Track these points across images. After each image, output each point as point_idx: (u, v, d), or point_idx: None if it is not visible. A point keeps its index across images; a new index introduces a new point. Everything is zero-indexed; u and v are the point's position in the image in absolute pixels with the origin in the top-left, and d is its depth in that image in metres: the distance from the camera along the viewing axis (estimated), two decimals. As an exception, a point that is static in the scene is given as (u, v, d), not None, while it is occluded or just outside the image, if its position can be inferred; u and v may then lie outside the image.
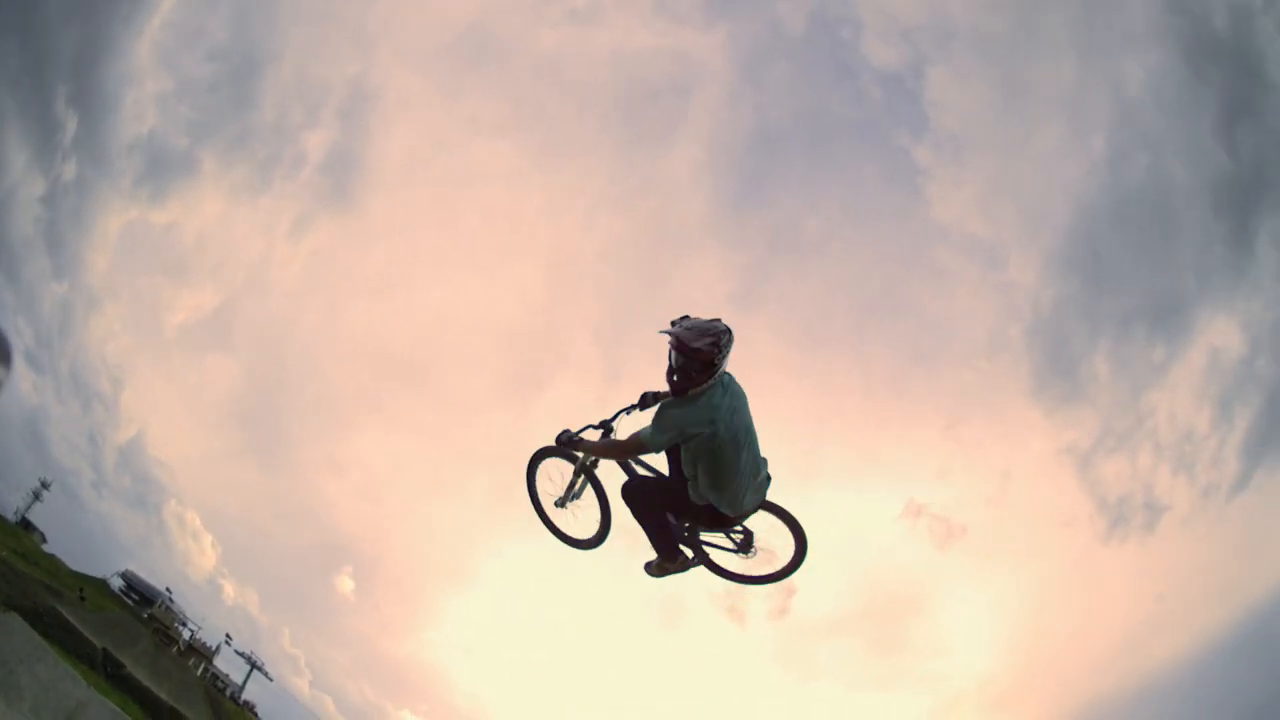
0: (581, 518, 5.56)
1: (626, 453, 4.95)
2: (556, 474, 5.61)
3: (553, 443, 5.18)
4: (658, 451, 4.74)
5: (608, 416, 5.17)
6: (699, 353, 4.37)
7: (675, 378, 4.49)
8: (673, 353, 4.42)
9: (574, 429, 5.13)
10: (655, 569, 5.17)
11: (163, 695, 24.15)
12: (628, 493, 4.97)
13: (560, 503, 5.55)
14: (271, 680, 41.98)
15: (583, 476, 5.46)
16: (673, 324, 4.47)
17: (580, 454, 5.33)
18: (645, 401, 5.08)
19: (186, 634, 36.30)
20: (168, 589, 38.06)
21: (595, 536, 5.54)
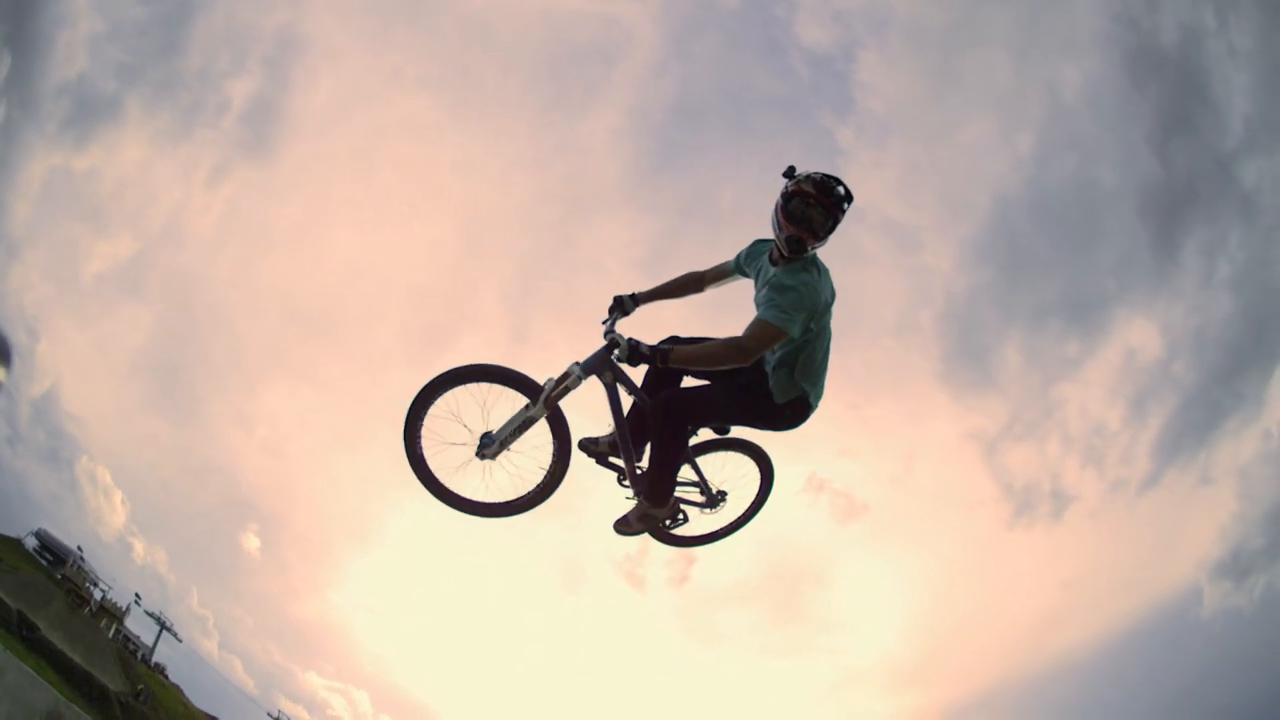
0: (502, 473, 4.11)
1: (747, 354, 3.67)
2: (463, 412, 4.06)
3: (600, 355, 3.92)
4: (797, 339, 3.71)
5: (606, 327, 4.09)
6: (841, 211, 3.60)
7: (801, 239, 3.61)
8: (813, 204, 3.56)
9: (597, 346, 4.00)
10: (637, 521, 4.23)
11: (76, 659, 24.44)
12: (673, 410, 3.89)
13: (488, 450, 4.00)
14: (181, 641, 41.91)
15: (541, 411, 3.97)
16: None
17: (559, 383, 3.91)
18: (624, 305, 4.17)
19: (98, 595, 36.18)
20: (79, 548, 37.72)
21: (533, 495, 4.16)
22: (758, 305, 3.80)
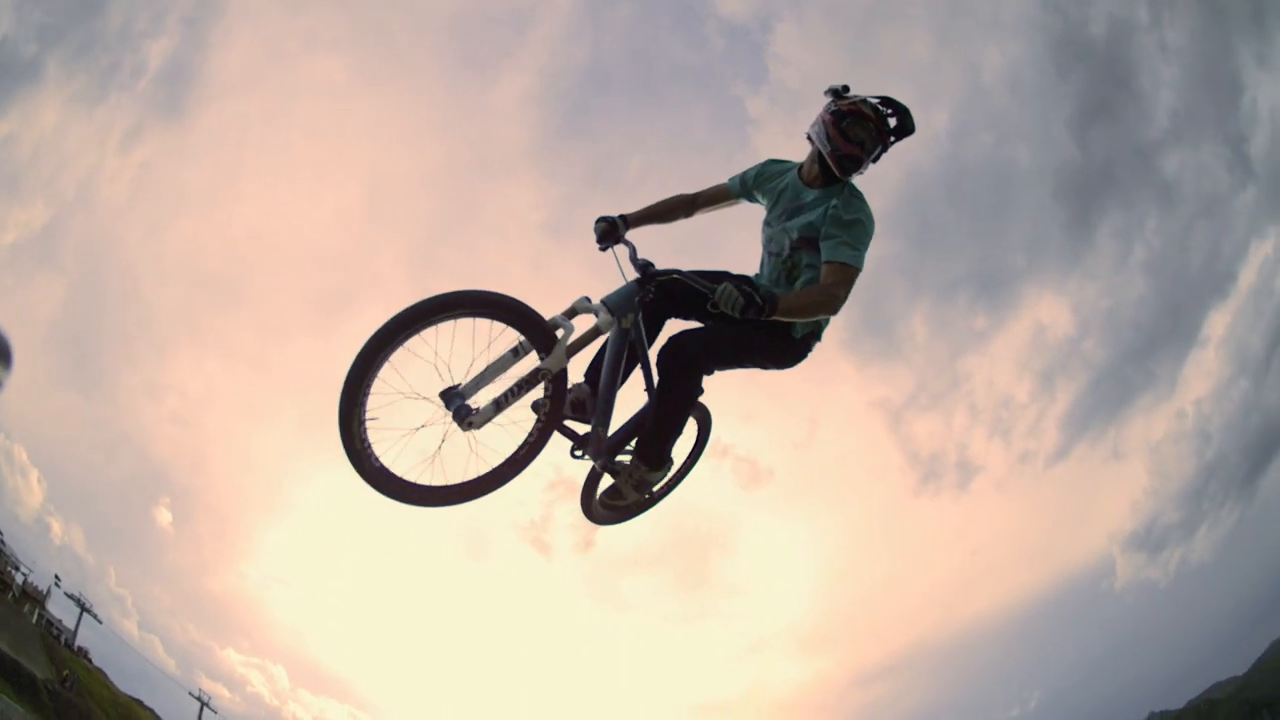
0: (477, 445, 3.23)
1: (840, 304, 3.32)
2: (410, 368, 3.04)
3: (630, 292, 3.31)
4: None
5: (645, 265, 3.36)
6: (890, 141, 3.36)
7: (860, 159, 3.31)
8: (870, 128, 3.27)
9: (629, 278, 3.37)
10: (634, 490, 3.60)
11: (3, 647, 24.55)
12: (695, 353, 3.38)
13: (473, 417, 3.08)
14: (101, 623, 41.45)
15: (559, 364, 3.22)
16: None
17: (599, 318, 3.26)
18: (618, 229, 3.59)
19: (19, 579, 35.76)
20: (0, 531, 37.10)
21: (504, 470, 3.37)
22: (791, 231, 3.42)
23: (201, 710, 37.57)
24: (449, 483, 3.30)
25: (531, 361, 3.18)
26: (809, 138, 3.38)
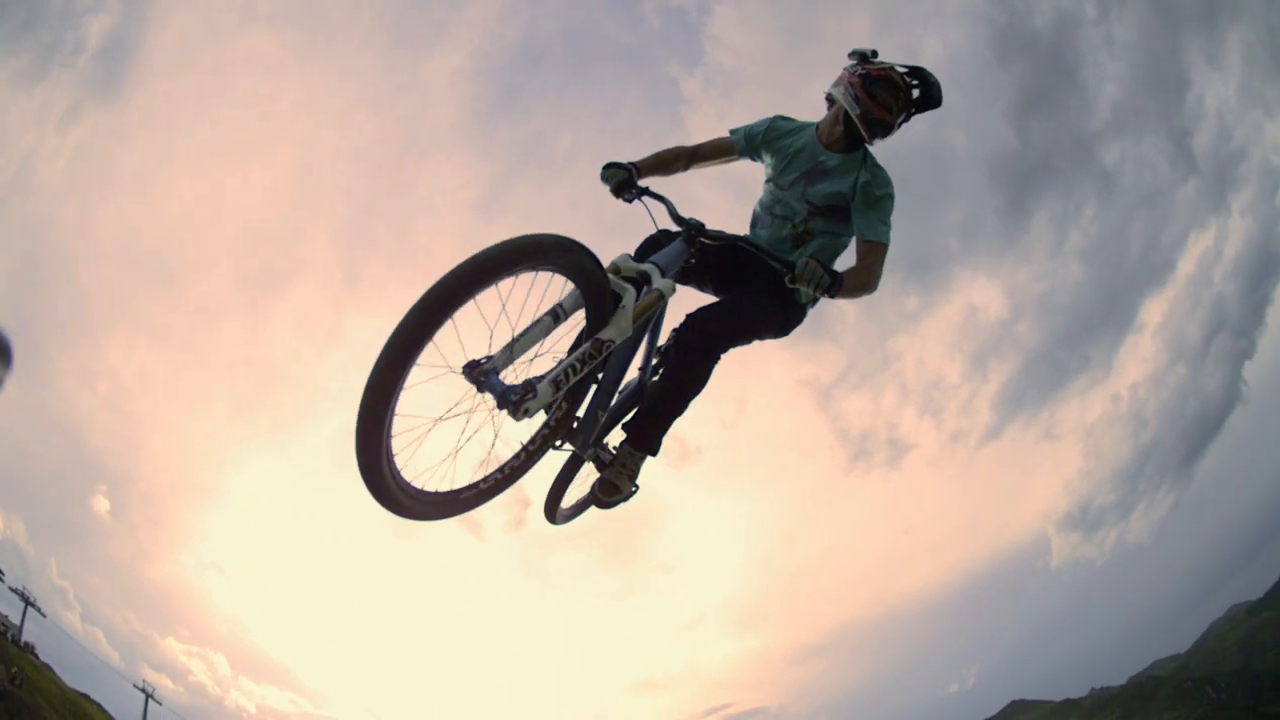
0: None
1: (878, 279, 3.17)
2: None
3: (679, 253, 2.93)
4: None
5: (680, 222, 3.01)
6: (913, 112, 3.22)
7: (890, 125, 3.17)
8: (899, 95, 3.13)
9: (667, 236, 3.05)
10: (625, 470, 3.12)
11: None
12: (717, 331, 3.01)
13: (528, 401, 2.33)
14: (45, 616, 39.79)
15: (623, 333, 2.65)
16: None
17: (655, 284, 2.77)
18: (631, 179, 3.23)
19: (-38, 574, 33.78)
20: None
21: (519, 465, 2.79)
22: (813, 198, 3.23)
23: (147, 703, 36.62)
24: (456, 487, 2.57)
25: (570, 328, 2.56)
26: (829, 98, 3.21)
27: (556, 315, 2.47)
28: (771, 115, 3.46)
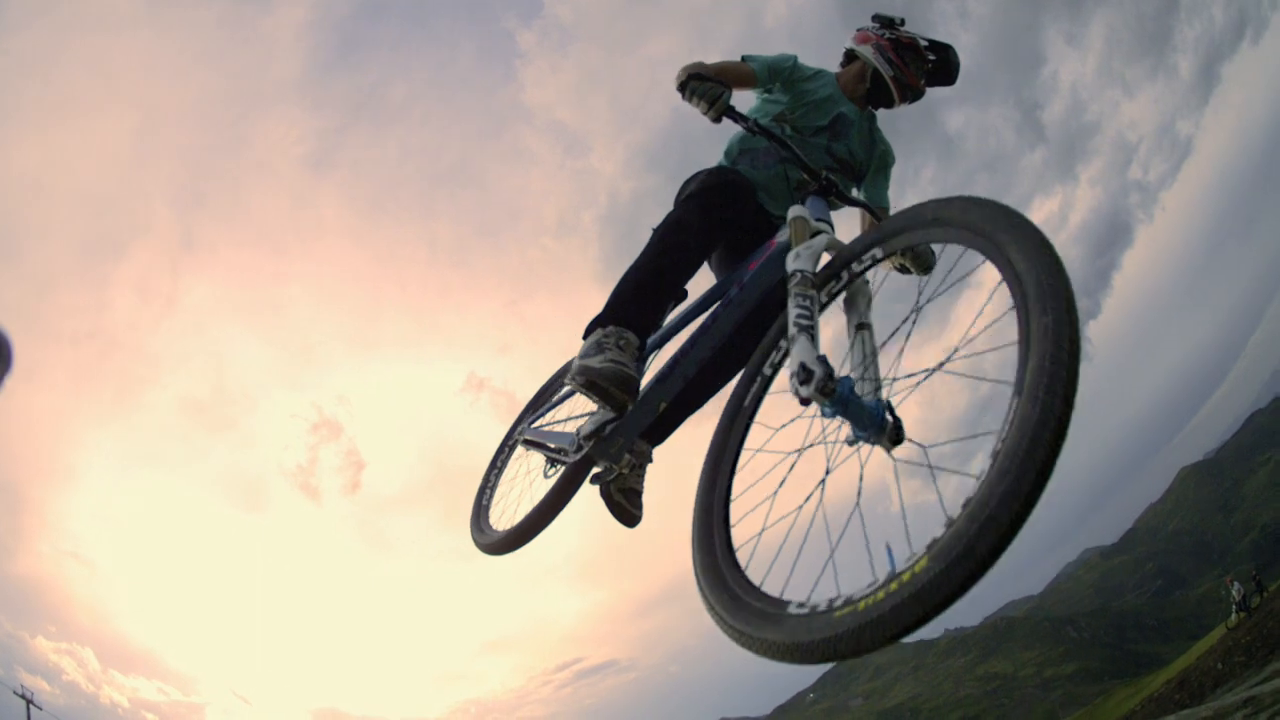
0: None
1: None
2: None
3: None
4: None
5: None
6: (923, 85, 2.95)
7: (920, 94, 2.93)
8: (923, 68, 2.88)
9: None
10: (640, 477, 2.71)
11: None
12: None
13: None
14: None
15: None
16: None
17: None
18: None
19: None
20: None
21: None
22: (837, 150, 2.86)
23: (29, 708, 33.94)
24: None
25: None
26: (854, 53, 2.96)
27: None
28: (787, 53, 3.06)
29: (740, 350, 2.20)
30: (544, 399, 3.03)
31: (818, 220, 2.08)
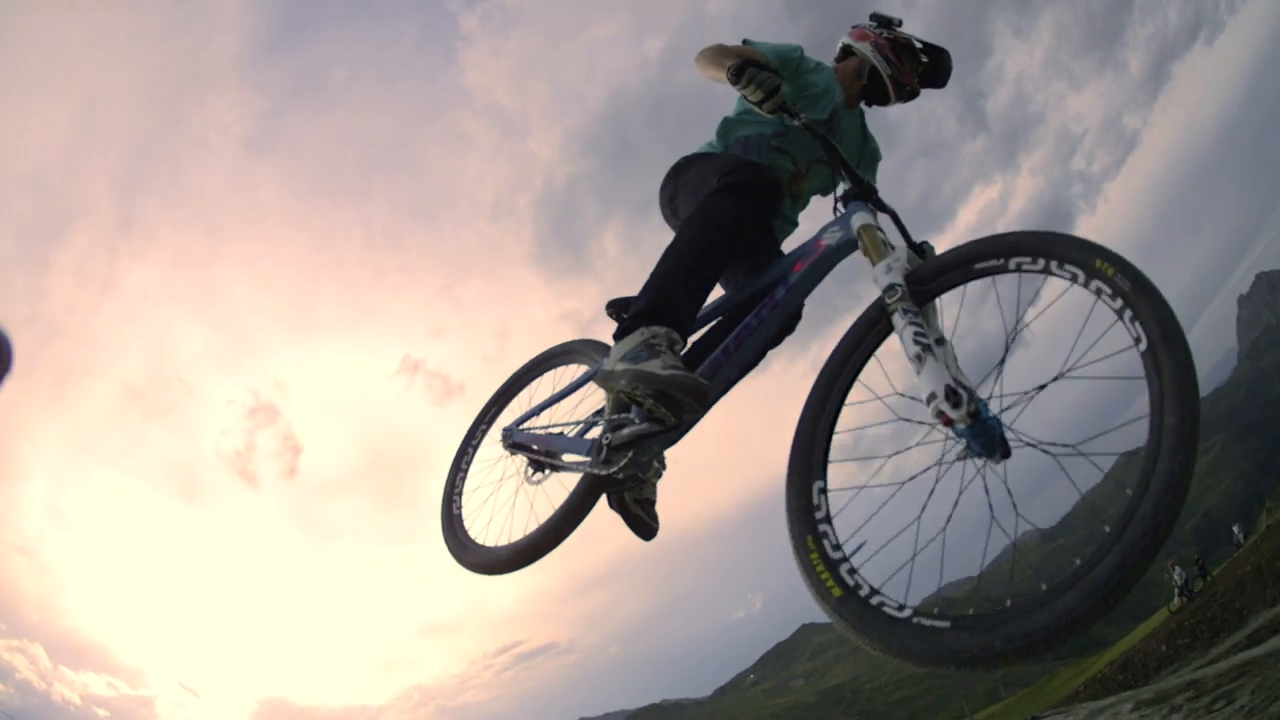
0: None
1: None
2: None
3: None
4: None
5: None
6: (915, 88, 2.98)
7: (915, 94, 2.97)
8: (918, 69, 2.90)
9: None
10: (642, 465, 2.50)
11: None
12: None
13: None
14: None
15: None
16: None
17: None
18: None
19: None
20: None
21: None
22: (835, 143, 2.69)
23: None
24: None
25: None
26: (849, 49, 2.93)
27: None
28: (792, 43, 3.02)
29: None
30: (511, 394, 2.84)
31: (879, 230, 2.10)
